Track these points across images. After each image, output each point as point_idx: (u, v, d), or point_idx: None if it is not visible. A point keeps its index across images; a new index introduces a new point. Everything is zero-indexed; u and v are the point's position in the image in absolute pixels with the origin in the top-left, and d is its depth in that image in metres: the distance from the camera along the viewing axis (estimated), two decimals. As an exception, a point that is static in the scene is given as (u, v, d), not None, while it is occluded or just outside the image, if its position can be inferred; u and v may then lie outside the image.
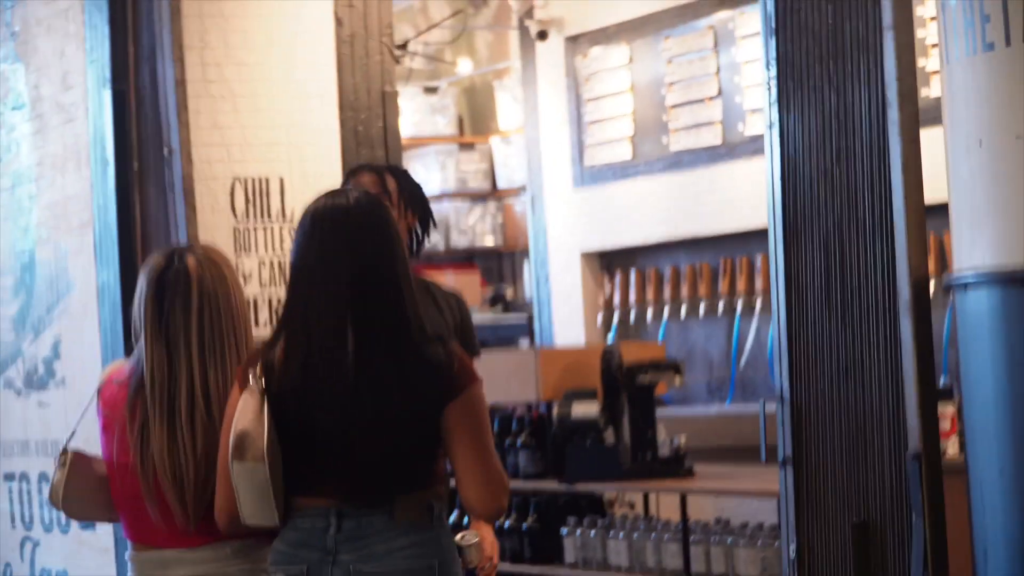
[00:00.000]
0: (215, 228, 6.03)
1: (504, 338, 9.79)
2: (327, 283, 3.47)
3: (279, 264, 6.19)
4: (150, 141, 5.99)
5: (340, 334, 3.45)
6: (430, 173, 11.06)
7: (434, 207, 10.93)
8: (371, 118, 6.40)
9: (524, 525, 6.99)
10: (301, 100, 6.26)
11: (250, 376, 3.48)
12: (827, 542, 4.38)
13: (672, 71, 8.43)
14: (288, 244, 6.18)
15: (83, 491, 3.85)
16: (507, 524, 7.01)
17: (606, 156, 8.92)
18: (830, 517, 4.35)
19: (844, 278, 4.13)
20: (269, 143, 6.21)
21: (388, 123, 6.44)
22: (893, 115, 3.85)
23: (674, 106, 8.40)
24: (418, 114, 11.07)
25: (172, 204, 5.82)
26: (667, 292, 8.59)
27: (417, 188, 4.70)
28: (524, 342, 9.70)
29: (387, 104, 6.43)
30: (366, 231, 3.49)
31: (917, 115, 4.00)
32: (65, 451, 3.85)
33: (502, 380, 7.17)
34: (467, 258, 11.22)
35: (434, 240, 10.96)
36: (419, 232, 4.67)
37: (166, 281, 3.69)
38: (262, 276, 6.17)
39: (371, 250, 3.48)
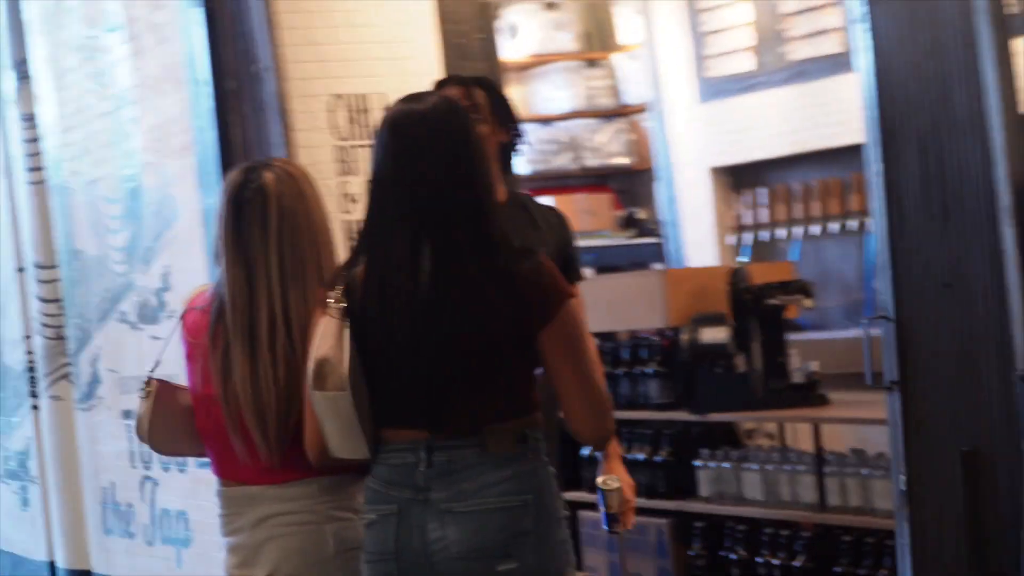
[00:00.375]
0: (316, 147, 5.84)
1: (638, 263, 9.52)
2: (401, 194, 3.24)
3: (383, 183, 6.00)
4: (242, 59, 5.81)
5: (416, 250, 3.22)
6: (556, 91, 10.85)
7: (562, 126, 10.94)
8: (470, 31, 6.17)
9: (657, 458, 6.72)
10: (399, 13, 6.05)
11: (330, 298, 3.28)
12: (937, 472, 4.09)
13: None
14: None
15: (169, 423, 3.68)
16: (640, 457, 6.76)
17: (727, 68, 8.61)
18: (939, 445, 4.06)
19: (943, 183, 3.80)
20: (368, 58, 6.01)
21: (488, 36, 6.19)
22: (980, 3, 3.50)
23: (791, 14, 8.05)
24: (540, 31, 10.80)
25: (267, 123, 5.64)
26: (798, 209, 8.25)
27: (507, 101, 4.44)
28: (658, 267, 9.43)
29: (486, 16, 6.18)
30: (442, 137, 3.24)
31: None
32: (149, 381, 3.69)
33: (628, 305, 6.94)
34: (600, 179, 10.96)
35: (565, 160, 10.74)
36: (513, 147, 4.42)
37: (243, 199, 3.49)
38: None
39: (448, 158, 3.23)
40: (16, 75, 7.14)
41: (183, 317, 3.66)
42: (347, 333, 3.23)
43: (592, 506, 7.15)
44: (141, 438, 3.72)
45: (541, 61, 10.93)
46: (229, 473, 3.59)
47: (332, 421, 3.25)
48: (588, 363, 3.31)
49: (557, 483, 3.35)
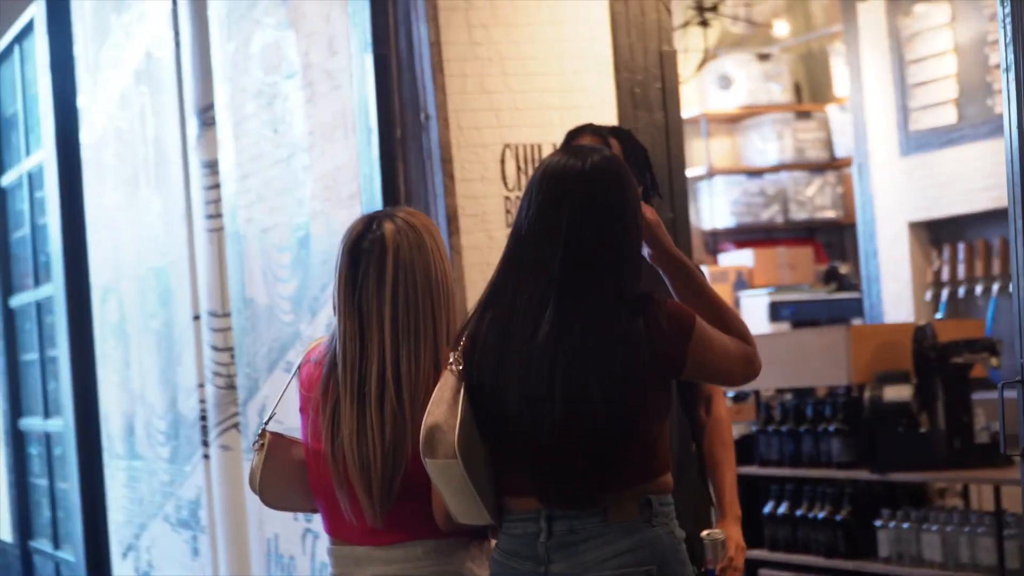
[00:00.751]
0: (485, 198, 5.73)
1: (837, 318, 9.29)
2: (538, 247, 3.11)
3: (552, 236, 5.86)
4: (409, 107, 5.73)
5: (542, 305, 3.08)
6: (766, 143, 10.71)
7: (771, 178, 10.75)
8: (648, 79, 6.02)
9: (838, 517, 6.74)
10: (574, 61, 5.93)
11: (451, 357, 3.17)
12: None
13: (995, 28, 7.77)
14: (563, 215, 5.86)
15: (281, 477, 3.54)
16: (820, 516, 6.80)
17: (930, 121, 8.38)
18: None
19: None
20: (541, 107, 5.90)
21: (667, 84, 6.04)
22: None
23: (998, 66, 7.73)
24: (752, 82, 10.70)
25: (430, 172, 5.53)
26: (996, 266, 7.97)
27: (643, 153, 4.24)
28: (857, 322, 9.16)
29: (665, 64, 6.03)
30: (595, 195, 3.12)
31: None
32: (263, 432, 3.56)
33: (812, 361, 6.85)
34: (807, 232, 10.77)
35: (772, 213, 10.54)
36: (646, 199, 4.23)
37: (361, 249, 3.34)
38: (535, 249, 5.84)
39: (596, 215, 3.11)
40: (199, 122, 7.17)
41: (299, 369, 3.54)
42: (463, 394, 3.12)
43: (776, 565, 7.15)
44: (253, 490, 3.60)
45: (752, 112, 10.85)
46: (338, 531, 3.45)
47: (448, 489, 3.15)
48: (726, 346, 3.17)
49: (684, 549, 3.18)
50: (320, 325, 6.25)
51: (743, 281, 9.78)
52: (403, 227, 3.34)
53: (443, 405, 3.12)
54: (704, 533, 3.94)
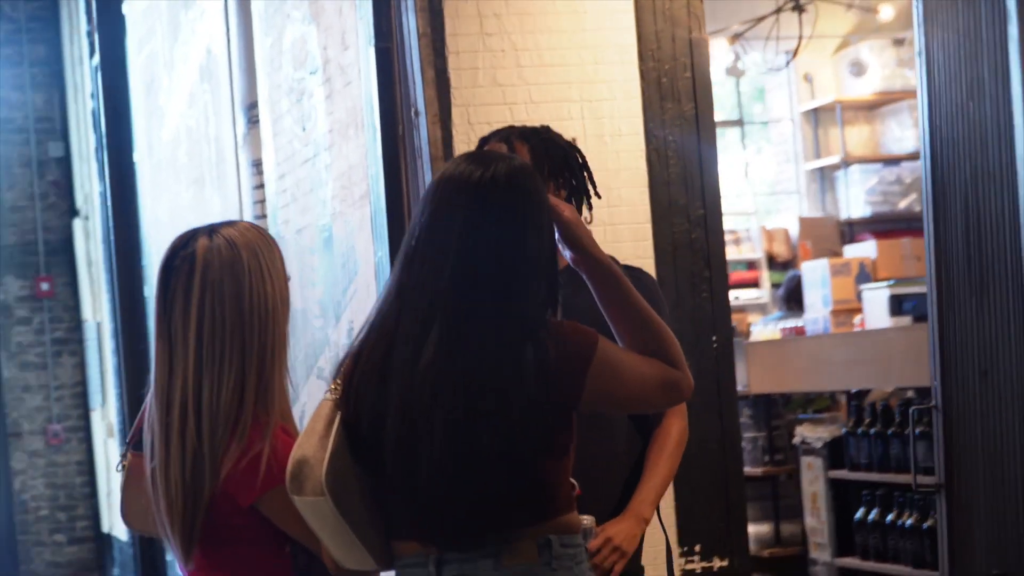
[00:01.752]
0: (498, 198, 5.50)
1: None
2: (430, 263, 2.91)
3: (574, 238, 5.61)
4: (409, 102, 5.54)
5: (427, 325, 2.88)
6: (904, 130, 10.34)
7: (909, 166, 10.38)
8: (676, 69, 5.72)
9: (925, 525, 6.45)
10: (594, 51, 5.66)
11: (330, 384, 2.98)
12: None
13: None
14: (583, 213, 5.61)
15: (140, 499, 3.29)
16: (908, 524, 6.62)
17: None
18: None
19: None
20: (558, 100, 5.65)
21: (697, 74, 5.73)
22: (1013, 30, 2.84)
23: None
24: (887, 68, 10.36)
25: (421, 172, 5.32)
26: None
27: (562, 152, 3.91)
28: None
29: (695, 52, 5.72)
30: (491, 206, 2.92)
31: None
32: (125, 454, 3.36)
33: (894, 362, 6.49)
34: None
35: (910, 202, 10.16)
36: (575, 204, 3.94)
37: (172, 267, 3.11)
38: (554, 250, 5.60)
39: (491, 229, 2.91)
40: (245, 119, 7.08)
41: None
42: (336, 425, 2.91)
43: (866, 574, 6.87)
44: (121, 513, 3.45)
45: (888, 99, 10.56)
46: (181, 567, 3.23)
47: (322, 531, 2.94)
48: (636, 372, 2.94)
49: None
50: (343, 330, 6.10)
51: (866, 273, 9.36)
52: (219, 244, 3.08)
53: (313, 437, 2.92)
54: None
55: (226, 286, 3.05)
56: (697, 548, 5.73)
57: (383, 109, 5.50)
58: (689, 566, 5.72)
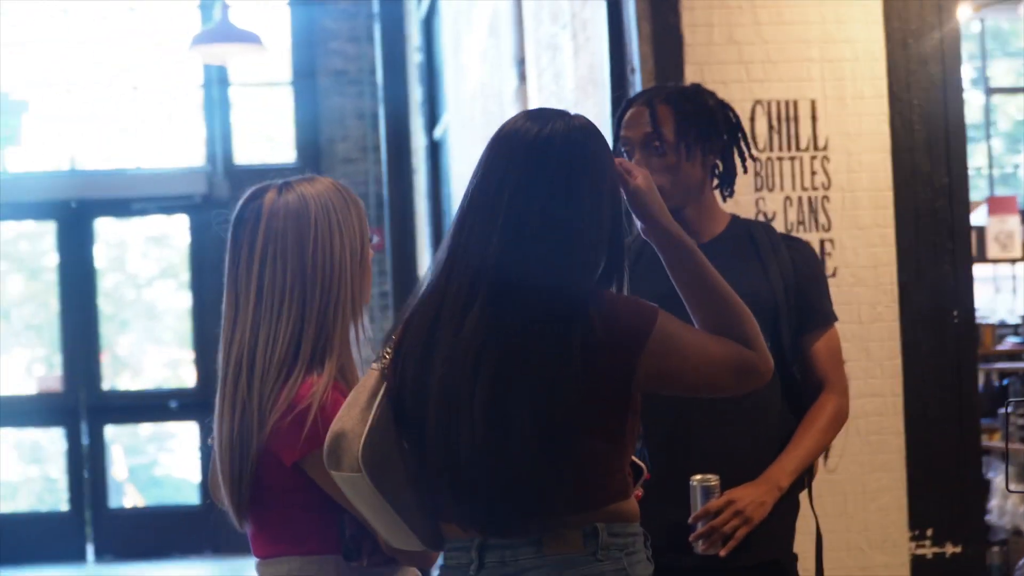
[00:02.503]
0: (731, 159, 5.43)
1: None
2: (481, 224, 2.75)
3: (809, 203, 5.51)
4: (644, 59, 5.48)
5: (473, 292, 2.72)
6: None
7: None
8: (924, 29, 5.52)
9: None
10: (837, 9, 5.52)
11: (382, 353, 2.84)
12: None
13: None
14: (820, 178, 5.51)
15: None
16: None
17: None
18: None
19: None
20: (797, 60, 5.52)
21: (946, 35, 5.51)
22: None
23: None
24: None
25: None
26: None
27: (707, 116, 3.73)
28: None
29: (944, 12, 5.51)
30: (545, 165, 2.74)
31: None
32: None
33: None
34: None
35: None
36: (721, 170, 3.81)
37: (241, 219, 3.04)
38: (787, 218, 5.51)
39: (544, 189, 2.73)
40: (516, 74, 7.17)
41: None
42: (380, 396, 2.77)
43: None
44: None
45: None
46: None
47: (363, 507, 2.82)
48: (706, 350, 2.77)
49: None
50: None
51: None
52: (287, 197, 3.02)
53: (355, 409, 2.77)
54: (695, 477, 3.58)
55: (290, 237, 2.99)
56: (929, 532, 5.56)
57: (613, 68, 5.49)
58: (920, 551, 5.55)
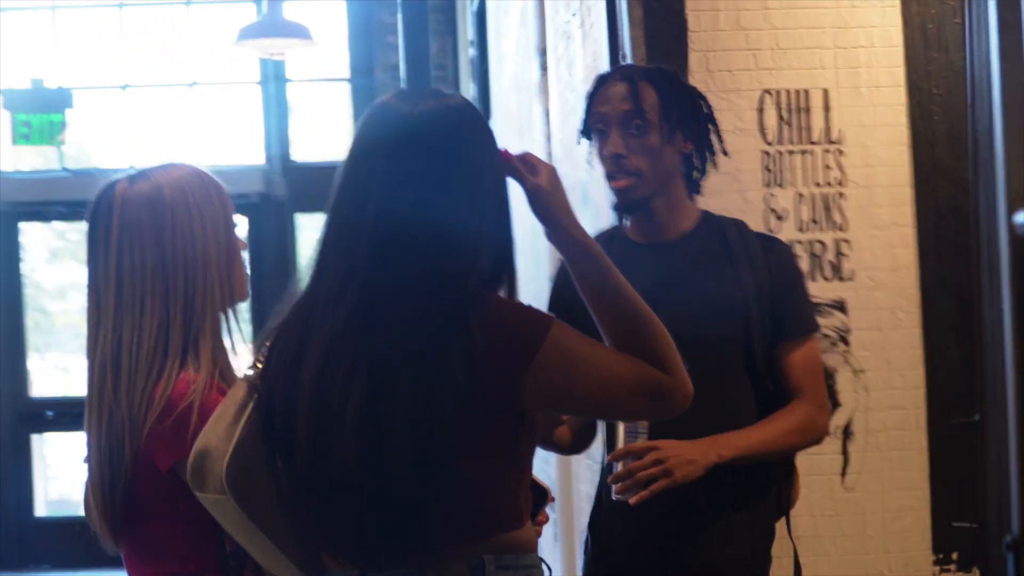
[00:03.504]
0: (738, 152, 5.12)
1: None
2: (351, 215, 2.55)
3: (823, 200, 5.23)
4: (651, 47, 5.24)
5: (341, 299, 2.51)
6: None
7: None
8: (945, 14, 5.21)
9: None
10: (851, -8, 5.23)
11: (252, 360, 2.64)
12: None
13: None
14: (835, 173, 5.22)
15: None
16: None
17: None
18: None
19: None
20: (809, 47, 5.24)
21: (971, 22, 5.19)
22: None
23: None
24: None
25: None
26: None
27: (689, 99, 3.55)
28: None
29: (967, -3, 5.20)
30: (417, 148, 2.53)
31: None
32: None
33: None
34: None
35: None
36: (695, 159, 3.60)
37: (95, 213, 2.91)
38: (800, 215, 5.23)
39: (417, 176, 2.52)
40: (538, 64, 6.95)
41: None
42: (248, 410, 2.57)
43: None
44: None
45: None
46: None
47: (234, 533, 2.64)
48: (605, 369, 2.51)
49: None
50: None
51: None
52: (140, 184, 2.87)
53: (221, 423, 2.59)
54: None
55: (145, 225, 2.84)
56: (954, 556, 5.26)
57: (611, 54, 5.25)
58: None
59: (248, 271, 2.97)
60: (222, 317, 2.88)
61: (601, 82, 3.60)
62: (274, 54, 9.83)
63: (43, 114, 11.60)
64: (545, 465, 7.06)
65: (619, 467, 3.25)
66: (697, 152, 3.57)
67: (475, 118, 2.61)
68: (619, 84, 3.54)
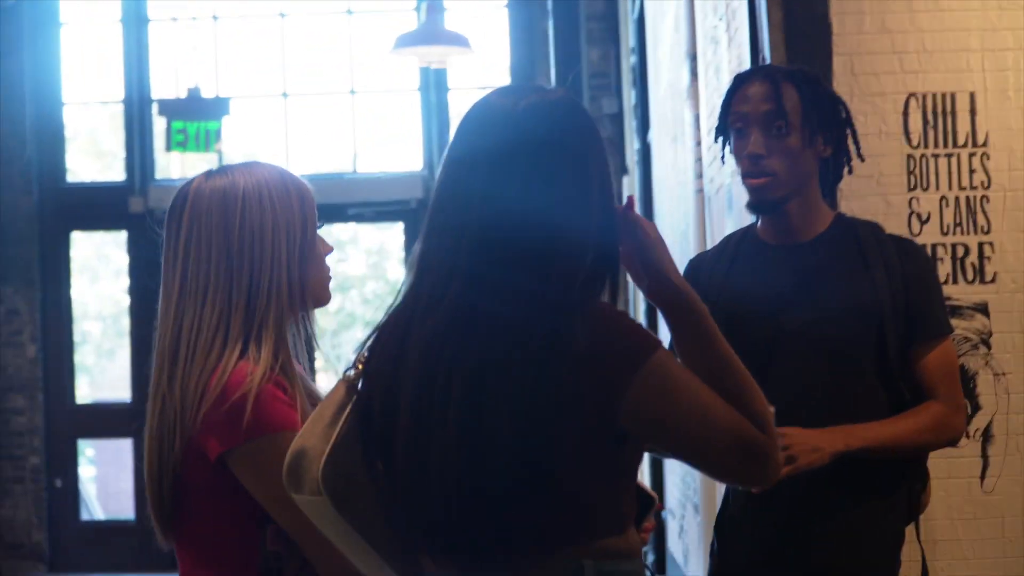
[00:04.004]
0: (882, 156, 5.18)
1: None
2: (453, 213, 2.53)
3: (967, 203, 5.25)
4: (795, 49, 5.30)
5: (445, 297, 2.50)
6: None
7: None
8: (1091, 13, 5.20)
9: None
10: (1000, -5, 5.24)
11: (354, 361, 2.63)
12: None
13: None
14: (980, 176, 5.24)
15: None
16: None
17: None
18: None
19: None
20: (956, 49, 5.25)
21: (1120, 20, 5.19)
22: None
23: None
24: None
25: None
26: None
27: (830, 103, 3.58)
28: None
29: None
30: (522, 144, 2.51)
31: None
32: None
33: None
34: None
35: None
36: (836, 163, 3.65)
37: (172, 206, 2.93)
38: (943, 219, 5.25)
39: (521, 172, 2.50)
40: (688, 70, 7.02)
41: None
42: (348, 411, 2.57)
43: None
44: None
45: None
46: None
47: (332, 535, 2.61)
48: (708, 413, 2.47)
49: None
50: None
51: None
52: (216, 179, 2.89)
53: (319, 424, 2.56)
54: None
55: (215, 218, 2.85)
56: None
57: (753, 58, 5.32)
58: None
59: (331, 275, 2.96)
60: (292, 317, 2.87)
61: (741, 81, 3.62)
62: (433, 62, 9.99)
63: (199, 121, 11.86)
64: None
65: None
66: (835, 156, 3.60)
67: (578, 113, 2.57)
68: (760, 83, 3.56)
